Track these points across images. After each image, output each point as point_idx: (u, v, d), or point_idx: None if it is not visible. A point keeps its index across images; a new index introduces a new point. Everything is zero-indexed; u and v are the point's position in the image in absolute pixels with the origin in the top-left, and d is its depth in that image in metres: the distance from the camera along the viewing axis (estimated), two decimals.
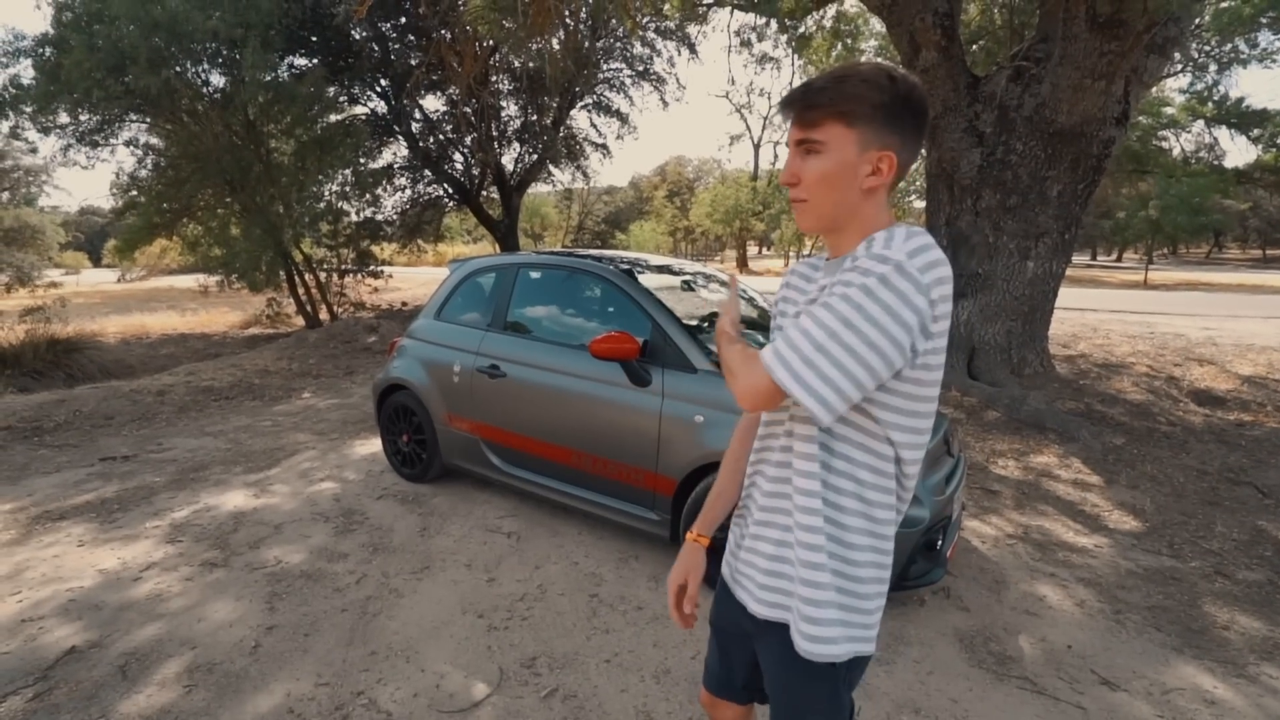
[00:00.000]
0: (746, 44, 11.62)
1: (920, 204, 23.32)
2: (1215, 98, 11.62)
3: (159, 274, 29.89)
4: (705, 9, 9.19)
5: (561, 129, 14.93)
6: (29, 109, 8.40)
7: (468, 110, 13.14)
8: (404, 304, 13.05)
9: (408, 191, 14.66)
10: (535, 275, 3.45)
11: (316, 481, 3.85)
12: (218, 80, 9.16)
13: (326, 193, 10.58)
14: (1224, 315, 11.06)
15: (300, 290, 10.42)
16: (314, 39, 11.12)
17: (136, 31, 7.62)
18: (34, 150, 23.74)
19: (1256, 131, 11.28)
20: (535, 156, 15.16)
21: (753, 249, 41.75)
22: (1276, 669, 2.22)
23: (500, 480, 3.37)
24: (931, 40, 5.34)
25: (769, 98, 29.83)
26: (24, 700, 1.98)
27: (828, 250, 1.02)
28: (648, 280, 3.10)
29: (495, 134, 14.21)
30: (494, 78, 13.25)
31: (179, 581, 2.70)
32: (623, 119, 15.37)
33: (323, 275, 11.01)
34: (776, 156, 40.35)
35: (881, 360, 0.83)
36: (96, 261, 46.10)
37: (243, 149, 9.21)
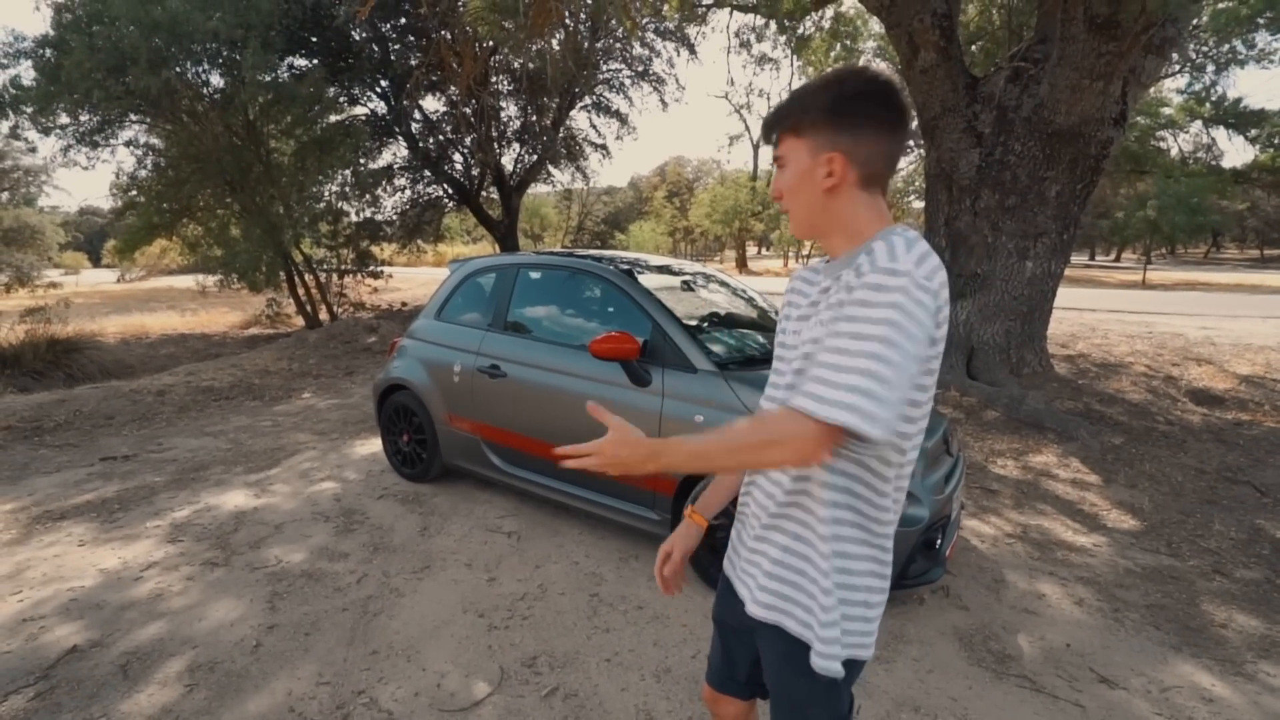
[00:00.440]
0: (746, 45, 11.66)
1: (919, 204, 23.36)
2: (1213, 98, 11.65)
3: (159, 274, 29.92)
4: (704, 10, 9.21)
5: (561, 129, 14.93)
6: (29, 109, 8.38)
7: (467, 111, 13.14)
8: (404, 304, 13.05)
9: (407, 192, 14.66)
10: (535, 275, 3.45)
11: (317, 481, 3.85)
12: (218, 81, 9.17)
13: (326, 193, 10.58)
14: (1222, 315, 11.07)
15: (300, 290, 10.42)
16: (314, 40, 11.13)
17: (137, 32, 7.62)
18: (34, 150, 23.79)
19: (1254, 131, 11.31)
20: (535, 157, 15.16)
21: (752, 249, 41.72)
22: (1274, 667, 2.22)
23: (501, 480, 3.37)
24: (930, 41, 5.35)
25: (768, 98, 29.88)
26: (25, 699, 1.99)
27: (826, 253, 1.05)
28: (648, 280, 3.11)
29: (495, 134, 14.19)
30: (494, 78, 13.24)
31: (180, 581, 2.70)
32: (622, 119, 15.38)
33: (322, 275, 11.01)
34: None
35: (916, 368, 0.84)
36: (96, 262, 46.08)
37: (243, 149, 9.21)
